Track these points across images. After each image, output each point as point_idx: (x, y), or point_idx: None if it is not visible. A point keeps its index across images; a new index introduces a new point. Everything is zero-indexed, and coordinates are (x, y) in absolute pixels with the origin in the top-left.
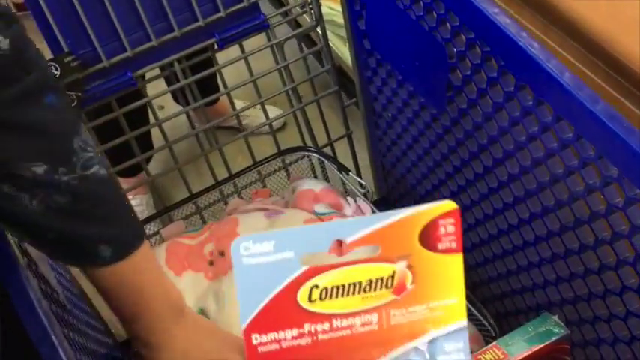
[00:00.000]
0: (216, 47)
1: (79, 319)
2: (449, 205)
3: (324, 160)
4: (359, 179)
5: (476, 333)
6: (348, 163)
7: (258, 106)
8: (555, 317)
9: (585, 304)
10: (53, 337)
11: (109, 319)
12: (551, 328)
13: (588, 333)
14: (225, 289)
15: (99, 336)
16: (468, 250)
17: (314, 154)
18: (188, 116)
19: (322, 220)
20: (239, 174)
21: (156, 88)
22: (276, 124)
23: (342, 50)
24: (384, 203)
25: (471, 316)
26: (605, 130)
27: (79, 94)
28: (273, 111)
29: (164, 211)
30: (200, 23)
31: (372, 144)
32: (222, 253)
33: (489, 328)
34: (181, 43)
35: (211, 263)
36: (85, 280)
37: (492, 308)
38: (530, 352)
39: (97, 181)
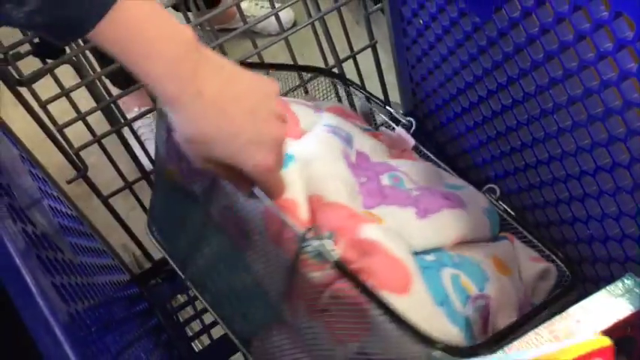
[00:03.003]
0: None
1: (82, 264)
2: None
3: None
4: (393, 111)
5: (551, 268)
6: (373, 76)
7: (267, 6)
8: None
9: None
10: (33, 288)
11: (124, 250)
12: (636, 292)
13: None
14: None
15: (111, 275)
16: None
17: (337, 80)
18: None
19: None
20: None
21: None
22: (285, 22)
23: None
24: (412, 116)
25: (542, 253)
26: None
27: None
28: (284, 10)
29: None
30: None
31: (399, 54)
32: None
33: (564, 270)
34: None
35: None
36: (95, 215)
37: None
38: (612, 324)
39: None
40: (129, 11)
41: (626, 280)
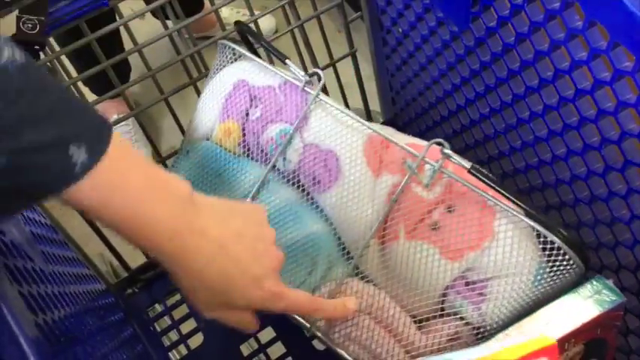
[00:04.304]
0: None
1: (55, 273)
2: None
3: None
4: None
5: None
6: (353, 84)
7: (248, 14)
8: (610, 282)
9: None
10: None
11: (101, 259)
12: (605, 294)
13: None
14: None
15: (85, 284)
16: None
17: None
18: (172, 40)
19: None
20: None
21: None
22: (267, 31)
23: None
24: (391, 126)
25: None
26: None
27: (42, 18)
28: (266, 19)
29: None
30: None
31: (379, 62)
32: None
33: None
34: None
35: None
36: (72, 223)
37: None
38: (579, 325)
39: (19, 69)
40: (111, 173)
41: (594, 282)
